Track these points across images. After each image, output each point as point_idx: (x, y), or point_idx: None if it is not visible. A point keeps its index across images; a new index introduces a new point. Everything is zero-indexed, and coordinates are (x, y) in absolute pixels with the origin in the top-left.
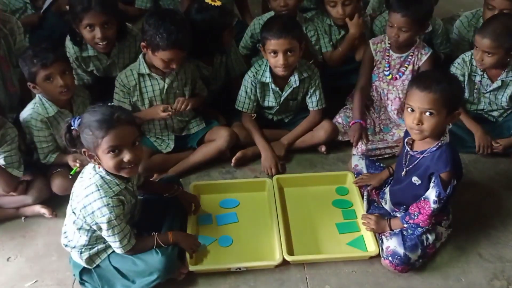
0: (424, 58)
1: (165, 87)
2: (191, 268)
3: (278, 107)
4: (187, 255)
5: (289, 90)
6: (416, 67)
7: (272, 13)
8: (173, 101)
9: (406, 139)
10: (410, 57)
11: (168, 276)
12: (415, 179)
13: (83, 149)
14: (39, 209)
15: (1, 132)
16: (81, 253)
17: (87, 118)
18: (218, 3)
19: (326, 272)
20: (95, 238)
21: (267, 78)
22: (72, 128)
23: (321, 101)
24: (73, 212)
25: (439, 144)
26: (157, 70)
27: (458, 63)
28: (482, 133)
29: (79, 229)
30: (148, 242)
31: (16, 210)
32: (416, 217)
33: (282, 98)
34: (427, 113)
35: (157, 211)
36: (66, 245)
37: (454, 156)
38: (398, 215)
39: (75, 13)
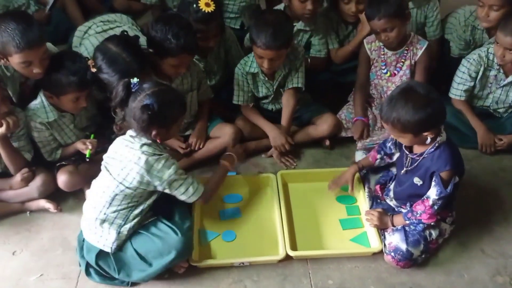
0: (420, 52)
1: None
2: (195, 263)
3: (272, 95)
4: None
5: (280, 78)
6: (413, 61)
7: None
8: None
9: (403, 145)
10: (405, 52)
11: (184, 257)
12: (416, 180)
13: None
14: (44, 203)
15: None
16: (119, 233)
17: None
18: (210, 9)
19: (329, 267)
20: (135, 214)
21: (255, 69)
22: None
23: (301, 80)
24: (128, 187)
25: (436, 144)
26: (162, 76)
27: (474, 59)
28: (484, 132)
29: (129, 202)
30: (220, 173)
31: (21, 204)
32: (419, 215)
33: (274, 87)
34: None
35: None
36: (104, 221)
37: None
38: (403, 211)
39: (115, 81)
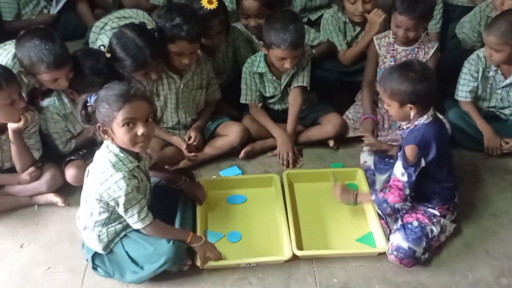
0: (432, 51)
1: (181, 86)
2: (201, 264)
3: (279, 94)
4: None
5: (288, 78)
6: (424, 60)
7: None
8: (186, 100)
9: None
10: (416, 50)
11: (175, 264)
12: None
13: (98, 124)
14: (52, 197)
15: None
16: (99, 236)
17: (103, 93)
18: (212, 6)
19: (334, 266)
20: (113, 218)
21: (263, 68)
22: (88, 104)
23: (307, 79)
24: (91, 194)
25: (415, 123)
26: (173, 69)
27: (473, 59)
28: (491, 134)
29: (101, 207)
30: (179, 233)
31: (29, 198)
32: (388, 190)
33: (282, 87)
34: None
35: (170, 198)
36: (85, 228)
37: (425, 135)
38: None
39: (128, 66)
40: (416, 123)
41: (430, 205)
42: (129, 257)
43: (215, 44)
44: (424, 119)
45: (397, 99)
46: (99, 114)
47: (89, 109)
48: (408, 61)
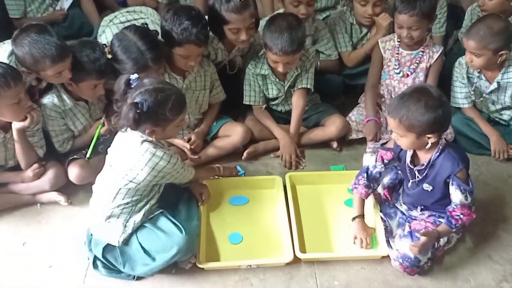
0: (436, 56)
1: (184, 87)
2: (202, 265)
3: (283, 96)
4: (198, 249)
5: (291, 79)
6: (428, 65)
7: None
8: (189, 101)
9: (407, 162)
10: (421, 54)
11: (187, 255)
12: (426, 187)
13: (152, 129)
14: (54, 196)
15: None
16: (125, 225)
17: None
18: None
19: (335, 268)
20: (139, 207)
21: (266, 70)
22: (138, 111)
23: (310, 81)
24: (131, 181)
25: (440, 148)
26: (176, 70)
27: (456, 66)
28: (498, 137)
29: (133, 195)
30: (211, 170)
31: (32, 196)
32: (461, 218)
33: (285, 88)
34: None
35: (173, 197)
36: (109, 216)
37: (458, 151)
38: (414, 213)
39: (129, 69)
40: (440, 147)
41: (442, 215)
42: (142, 247)
43: (241, 41)
44: (443, 141)
45: (416, 130)
46: (155, 118)
47: (141, 115)
48: (421, 87)
